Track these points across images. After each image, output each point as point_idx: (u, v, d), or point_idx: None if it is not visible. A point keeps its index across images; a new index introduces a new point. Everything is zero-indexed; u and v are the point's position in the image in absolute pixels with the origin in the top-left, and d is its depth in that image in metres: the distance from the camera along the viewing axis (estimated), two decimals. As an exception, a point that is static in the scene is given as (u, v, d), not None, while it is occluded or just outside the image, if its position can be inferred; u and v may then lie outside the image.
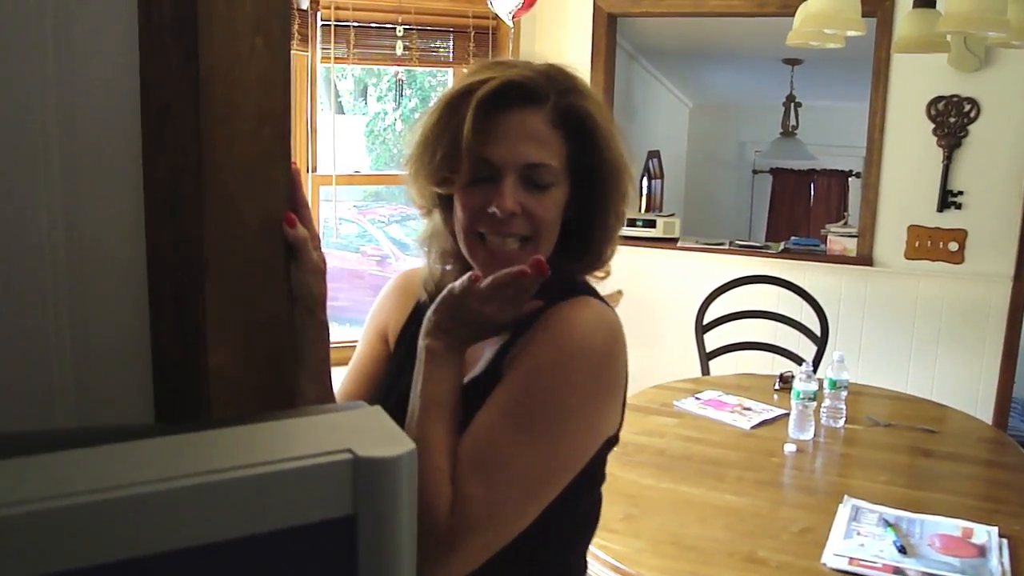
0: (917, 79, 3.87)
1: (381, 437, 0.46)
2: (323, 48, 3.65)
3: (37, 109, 0.64)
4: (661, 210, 6.71)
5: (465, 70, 1.32)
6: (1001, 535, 1.98)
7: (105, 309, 0.68)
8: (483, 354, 1.17)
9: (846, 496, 2.15)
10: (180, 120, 0.68)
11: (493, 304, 1.06)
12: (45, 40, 0.65)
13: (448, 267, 1.22)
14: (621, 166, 1.15)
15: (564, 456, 1.07)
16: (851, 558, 1.87)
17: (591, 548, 1.86)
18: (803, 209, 8.47)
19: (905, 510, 2.09)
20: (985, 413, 3.81)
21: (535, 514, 1.05)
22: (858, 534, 1.98)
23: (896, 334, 4.06)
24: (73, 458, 0.47)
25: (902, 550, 1.89)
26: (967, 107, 3.83)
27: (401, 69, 3.98)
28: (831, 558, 1.87)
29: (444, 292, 1.09)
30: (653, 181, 7.22)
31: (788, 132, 6.60)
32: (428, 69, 4.53)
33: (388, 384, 1.24)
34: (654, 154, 6.96)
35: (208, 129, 0.68)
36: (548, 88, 1.11)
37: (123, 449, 0.48)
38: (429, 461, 1.00)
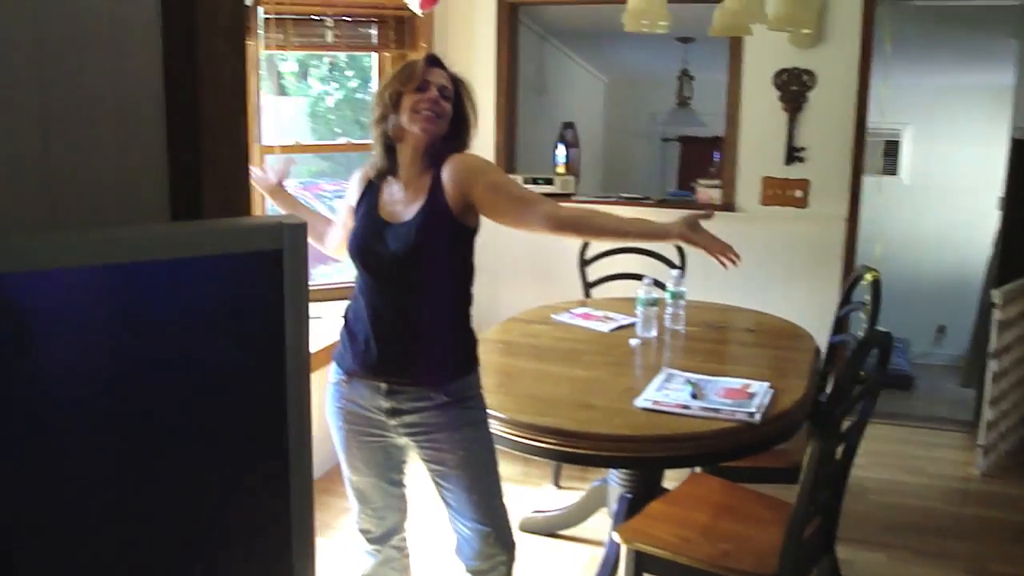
0: (765, 54, 4.67)
1: (294, 220, 1.16)
2: (266, 37, 4.31)
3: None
4: (579, 176, 7.42)
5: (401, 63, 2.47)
6: (771, 388, 2.74)
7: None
8: (417, 199, 2.29)
9: (664, 368, 2.91)
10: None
11: None
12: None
13: (382, 160, 2.36)
14: (472, 109, 2.42)
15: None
16: (654, 401, 2.62)
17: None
18: (708, 173, 9.28)
19: (706, 375, 2.85)
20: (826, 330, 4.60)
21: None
22: (666, 389, 2.73)
23: (757, 268, 4.85)
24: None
25: (694, 396, 2.66)
26: (805, 77, 4.63)
27: (334, 55, 4.66)
28: (640, 402, 2.61)
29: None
30: (570, 149, 7.90)
31: (683, 102, 7.38)
32: (362, 54, 5.19)
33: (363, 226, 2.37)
34: (568, 125, 7.65)
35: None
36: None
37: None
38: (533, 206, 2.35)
